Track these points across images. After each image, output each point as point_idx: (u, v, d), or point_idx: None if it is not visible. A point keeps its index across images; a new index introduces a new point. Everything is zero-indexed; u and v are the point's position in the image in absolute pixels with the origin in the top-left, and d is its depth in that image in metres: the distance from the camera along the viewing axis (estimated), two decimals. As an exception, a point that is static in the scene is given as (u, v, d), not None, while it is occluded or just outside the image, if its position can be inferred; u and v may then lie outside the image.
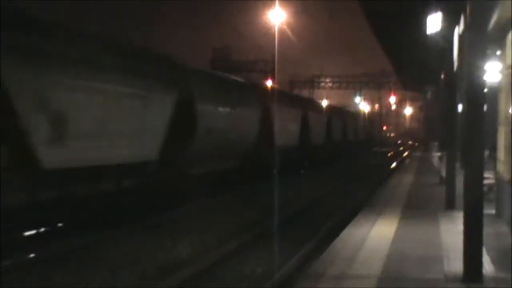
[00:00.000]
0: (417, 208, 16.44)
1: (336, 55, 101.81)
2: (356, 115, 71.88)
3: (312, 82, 76.01)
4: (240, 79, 31.21)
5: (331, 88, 77.51)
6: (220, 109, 23.43)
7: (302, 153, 36.09)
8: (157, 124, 17.90)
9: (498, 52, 14.29)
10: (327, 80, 76.73)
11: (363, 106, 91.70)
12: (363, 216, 14.72)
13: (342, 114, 56.23)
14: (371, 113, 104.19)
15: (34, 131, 12.75)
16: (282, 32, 45.11)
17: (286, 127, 32.10)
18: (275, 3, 44.42)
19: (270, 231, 14.72)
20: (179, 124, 19.19)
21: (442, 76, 20.56)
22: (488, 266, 9.04)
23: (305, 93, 70.86)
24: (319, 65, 77.17)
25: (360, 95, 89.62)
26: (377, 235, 12.02)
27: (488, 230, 10.01)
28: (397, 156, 58.67)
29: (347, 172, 35.91)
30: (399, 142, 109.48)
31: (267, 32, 45.37)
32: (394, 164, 43.13)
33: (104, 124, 15.24)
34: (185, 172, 20.22)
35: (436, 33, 14.59)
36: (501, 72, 14.33)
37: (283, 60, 55.78)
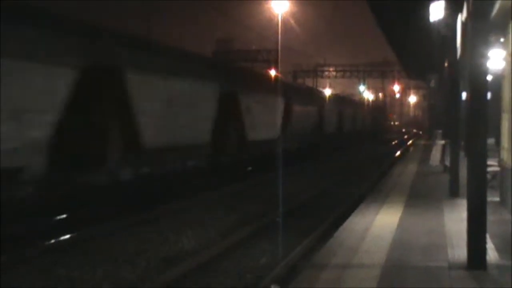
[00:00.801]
0: (421, 196, 16.42)
1: (339, 44, 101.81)
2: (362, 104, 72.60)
3: (316, 72, 75.87)
4: (305, 85, 51.11)
5: (335, 77, 77.39)
6: (300, 107, 37.43)
7: (339, 138, 49.19)
8: (278, 117, 31.46)
9: (502, 39, 14.24)
10: (331, 69, 76.58)
11: (367, 95, 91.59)
12: (367, 205, 14.73)
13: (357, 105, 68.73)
14: (379, 102, 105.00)
15: (246, 123, 26.63)
16: (285, 22, 45.08)
17: (331, 119, 47.06)
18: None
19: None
20: (284, 116, 33.11)
21: (446, 64, 20.49)
22: (492, 254, 9.04)
23: (308, 82, 70.82)
24: (322, 54, 77.19)
25: (363, 84, 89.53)
26: (381, 223, 12.02)
27: (492, 218, 10.03)
28: (401, 144, 58.66)
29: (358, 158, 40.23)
30: (403, 130, 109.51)
31: (270, 22, 45.34)
32: (398, 153, 43.24)
33: (263, 117, 28.72)
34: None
35: (439, 21, 14.55)
36: (505, 59, 14.28)
37: (286, 49, 55.88)
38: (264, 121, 29.22)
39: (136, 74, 17.19)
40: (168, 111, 19.07)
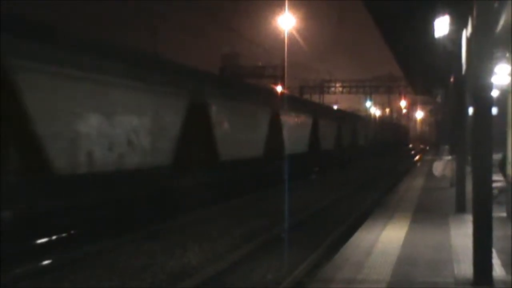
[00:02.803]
0: (427, 211, 16.39)
1: (345, 59, 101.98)
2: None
3: (322, 87, 75.92)
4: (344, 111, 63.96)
5: (341, 92, 77.44)
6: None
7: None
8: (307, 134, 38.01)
9: (507, 54, 14.23)
10: (337, 85, 76.62)
11: (373, 110, 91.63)
12: (373, 219, 14.70)
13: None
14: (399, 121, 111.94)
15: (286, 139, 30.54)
16: (291, 38, 45.19)
17: (361, 135, 58.31)
18: (284, 8, 44.48)
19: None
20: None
21: (452, 80, 20.48)
22: (498, 269, 9.02)
23: (315, 98, 70.89)
24: (328, 70, 77.30)
25: (370, 100, 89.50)
26: (387, 239, 12.00)
27: (498, 233, 9.99)
28: (409, 159, 58.66)
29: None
30: (410, 146, 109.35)
31: (277, 38, 45.43)
32: (405, 167, 43.42)
33: (297, 133, 33.64)
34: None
35: (444, 36, 14.53)
36: (510, 74, 14.27)
37: (292, 65, 55.98)
38: (297, 136, 33.97)
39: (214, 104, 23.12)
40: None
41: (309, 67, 68.28)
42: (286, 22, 44.96)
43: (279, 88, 50.62)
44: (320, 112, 42.48)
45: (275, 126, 29.72)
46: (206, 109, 22.37)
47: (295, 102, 36.77)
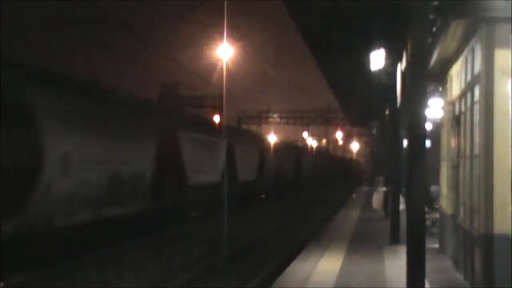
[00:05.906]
0: (363, 242, 16.53)
1: (284, 91, 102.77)
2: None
3: (260, 118, 76.28)
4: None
5: (279, 123, 77.94)
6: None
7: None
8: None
9: (440, 89, 14.58)
10: (275, 115, 77.11)
11: (310, 141, 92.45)
12: (310, 250, 14.73)
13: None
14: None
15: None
16: (230, 68, 45.26)
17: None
18: (223, 39, 44.61)
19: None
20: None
21: (387, 112, 20.86)
22: (431, 300, 9.11)
23: (253, 128, 71.12)
24: (267, 100, 77.76)
25: (307, 131, 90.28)
26: (323, 269, 12.03)
27: (431, 264, 10.13)
28: (344, 190, 59.18)
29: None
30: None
31: (215, 68, 45.49)
32: (342, 198, 43.72)
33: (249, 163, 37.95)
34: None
35: (380, 70, 14.82)
36: (443, 108, 14.60)
37: (231, 95, 55.80)
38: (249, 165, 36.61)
39: None
40: None
41: (248, 97, 68.62)
42: (224, 52, 45.04)
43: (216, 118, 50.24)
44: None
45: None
46: None
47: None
